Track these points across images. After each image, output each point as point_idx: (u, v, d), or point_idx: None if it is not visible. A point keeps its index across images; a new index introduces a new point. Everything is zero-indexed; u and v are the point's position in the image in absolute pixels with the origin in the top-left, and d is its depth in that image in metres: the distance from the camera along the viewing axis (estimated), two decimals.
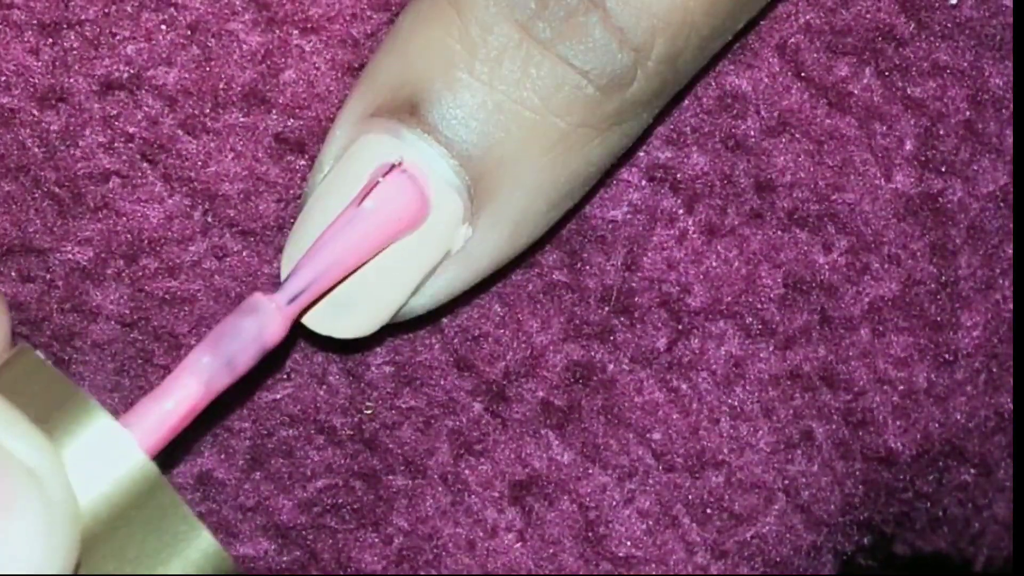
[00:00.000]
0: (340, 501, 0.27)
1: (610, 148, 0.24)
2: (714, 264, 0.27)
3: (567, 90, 0.23)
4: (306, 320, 0.24)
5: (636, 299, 0.27)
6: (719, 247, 0.27)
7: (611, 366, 0.27)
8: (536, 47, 0.23)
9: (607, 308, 0.27)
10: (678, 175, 0.27)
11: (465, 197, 0.24)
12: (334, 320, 0.24)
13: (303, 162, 0.26)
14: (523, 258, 0.26)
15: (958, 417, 0.28)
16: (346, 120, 0.24)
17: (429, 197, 0.23)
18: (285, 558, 0.28)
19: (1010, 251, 0.28)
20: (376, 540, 0.28)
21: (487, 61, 0.23)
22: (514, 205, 0.24)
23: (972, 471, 0.30)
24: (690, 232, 0.27)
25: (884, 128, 0.27)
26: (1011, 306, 0.28)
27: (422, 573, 0.28)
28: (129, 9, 0.25)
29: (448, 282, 0.25)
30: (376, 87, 0.24)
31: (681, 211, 0.27)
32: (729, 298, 0.27)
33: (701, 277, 0.27)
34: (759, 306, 0.27)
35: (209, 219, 0.26)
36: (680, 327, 0.27)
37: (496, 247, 0.24)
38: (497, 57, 0.23)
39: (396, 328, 0.27)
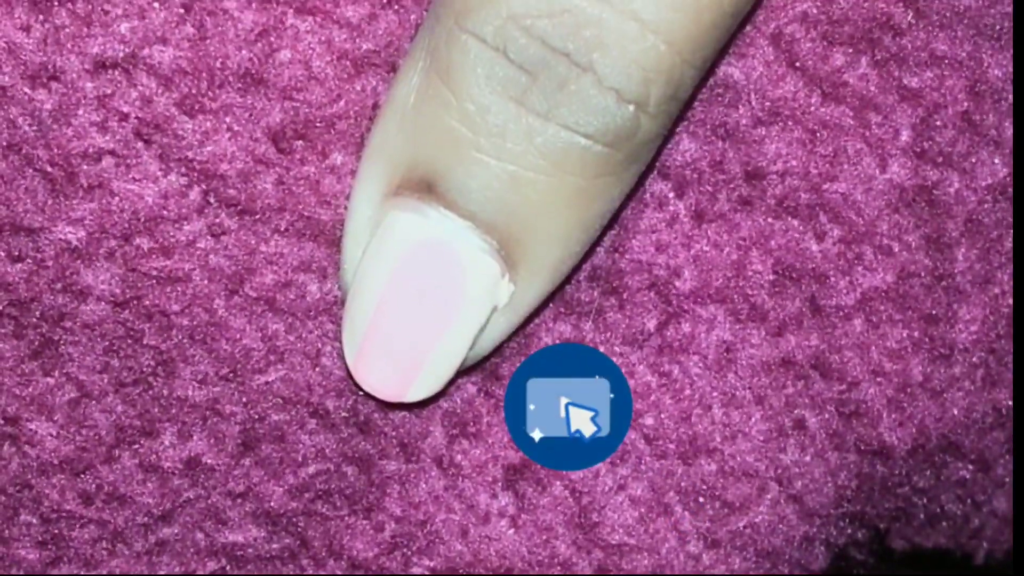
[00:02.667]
0: (332, 487, 0.27)
1: (632, 180, 0.25)
2: (704, 248, 0.27)
3: (576, 152, 0.23)
4: (371, 389, 0.25)
5: (625, 280, 0.27)
6: (709, 231, 0.27)
7: (602, 347, 0.27)
8: (536, 119, 0.23)
9: (597, 289, 0.27)
10: (667, 161, 0.27)
11: (498, 258, 0.24)
12: (403, 386, 0.25)
13: (300, 143, 0.26)
14: None
15: (955, 412, 0.28)
16: (366, 198, 0.25)
17: (463, 266, 0.24)
18: (275, 545, 0.28)
19: (1009, 245, 0.28)
20: (368, 527, 0.27)
21: (490, 136, 0.23)
22: (548, 256, 0.25)
23: (970, 467, 0.29)
24: (680, 216, 0.27)
25: (879, 118, 0.27)
26: (1010, 301, 0.28)
27: (415, 560, 0.27)
28: None
29: (501, 332, 0.25)
30: (391, 166, 0.24)
31: (671, 195, 0.27)
32: (719, 282, 0.27)
33: (691, 261, 0.27)
34: (749, 291, 0.27)
35: (205, 199, 0.26)
36: (670, 309, 0.27)
37: (539, 292, 0.25)
38: (500, 132, 0.23)
39: None
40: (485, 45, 0.23)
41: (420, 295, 0.24)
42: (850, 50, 0.26)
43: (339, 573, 0.27)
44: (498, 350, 0.27)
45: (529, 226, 0.24)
